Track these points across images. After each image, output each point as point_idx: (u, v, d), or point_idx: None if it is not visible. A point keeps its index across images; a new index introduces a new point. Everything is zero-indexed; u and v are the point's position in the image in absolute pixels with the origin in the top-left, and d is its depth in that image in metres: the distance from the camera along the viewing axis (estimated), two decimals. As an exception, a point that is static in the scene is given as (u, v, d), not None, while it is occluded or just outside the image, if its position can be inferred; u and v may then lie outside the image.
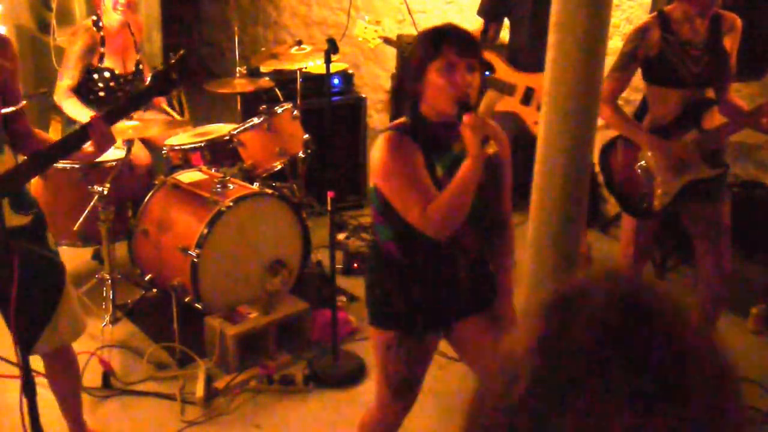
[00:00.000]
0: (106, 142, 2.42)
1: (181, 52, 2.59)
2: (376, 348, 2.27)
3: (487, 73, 4.00)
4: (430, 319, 2.22)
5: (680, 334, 0.71)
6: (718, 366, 0.71)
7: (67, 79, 3.93)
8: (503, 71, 3.86)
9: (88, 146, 2.42)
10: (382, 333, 2.25)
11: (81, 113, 3.87)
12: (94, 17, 4.03)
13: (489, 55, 3.85)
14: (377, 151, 2.11)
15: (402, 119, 2.17)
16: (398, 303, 2.20)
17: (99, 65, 4.00)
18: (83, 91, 4.02)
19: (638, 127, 3.00)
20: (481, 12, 4.00)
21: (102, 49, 4.00)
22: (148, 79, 2.57)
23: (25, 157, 2.44)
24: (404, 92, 2.16)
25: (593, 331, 0.69)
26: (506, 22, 4.10)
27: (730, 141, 4.09)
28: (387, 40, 4.01)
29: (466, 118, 1.98)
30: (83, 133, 2.37)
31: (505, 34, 4.16)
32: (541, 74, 3.93)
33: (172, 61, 2.51)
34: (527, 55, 3.83)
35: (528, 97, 3.81)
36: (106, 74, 4.00)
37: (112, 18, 3.98)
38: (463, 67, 2.02)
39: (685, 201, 3.02)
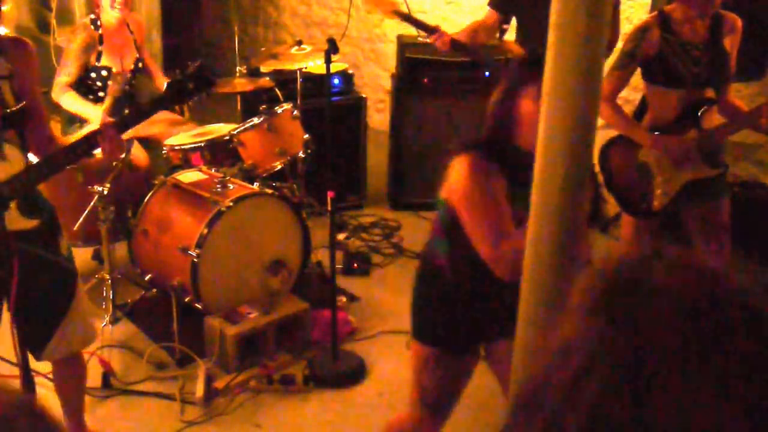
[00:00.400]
0: (116, 149, 2.38)
1: (198, 62, 2.54)
2: (415, 360, 2.23)
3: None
4: (471, 338, 2.18)
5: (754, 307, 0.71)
6: None
7: (64, 75, 3.93)
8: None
9: (98, 153, 2.40)
10: (422, 347, 2.20)
11: (79, 106, 3.87)
12: (92, 16, 4.05)
13: (509, 43, 3.80)
14: (459, 172, 2.00)
15: (481, 139, 2.06)
16: (442, 320, 2.16)
17: (96, 64, 4.00)
18: (82, 90, 4.02)
19: (637, 126, 3.00)
20: (494, 3, 3.87)
21: (100, 48, 4.00)
22: (165, 86, 2.54)
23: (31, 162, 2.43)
24: (494, 114, 2.03)
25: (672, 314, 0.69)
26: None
27: (731, 141, 4.10)
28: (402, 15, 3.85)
29: None
30: (93, 139, 2.34)
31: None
32: None
33: (190, 70, 2.47)
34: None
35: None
36: (104, 73, 4.01)
37: (109, 16, 3.99)
38: None
39: (685, 200, 3.02)
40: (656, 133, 2.98)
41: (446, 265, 2.13)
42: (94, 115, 3.82)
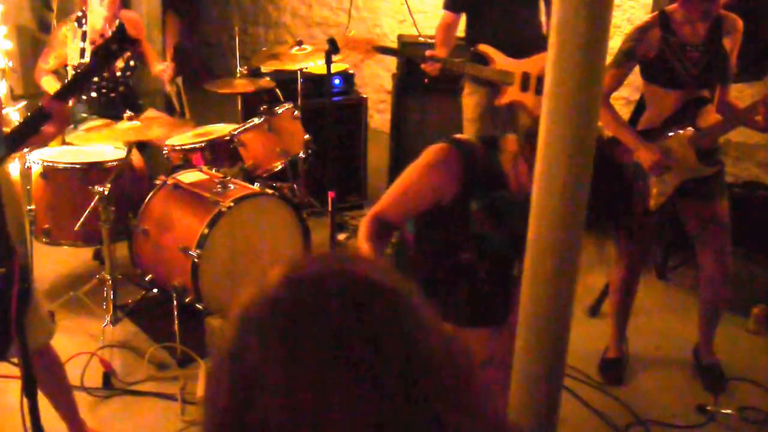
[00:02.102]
0: (63, 120, 2.53)
1: (117, 22, 2.88)
2: None
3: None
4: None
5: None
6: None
7: (43, 62, 4.11)
8: (501, 61, 3.82)
9: (46, 127, 2.49)
10: None
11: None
12: (79, 13, 4.08)
13: (484, 47, 3.82)
14: (424, 153, 2.09)
15: (466, 140, 2.10)
16: None
17: (81, 61, 4.00)
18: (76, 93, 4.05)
19: (626, 128, 3.00)
20: (448, 5, 3.93)
21: (82, 44, 4.02)
22: (91, 55, 2.69)
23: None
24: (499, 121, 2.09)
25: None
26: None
27: (731, 141, 4.10)
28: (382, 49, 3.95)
29: None
30: (40, 115, 2.45)
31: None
32: (531, 57, 3.85)
33: (110, 33, 2.61)
34: (508, 42, 3.77)
35: (525, 82, 3.74)
36: None
37: (97, 15, 4.00)
38: None
39: (683, 200, 3.03)
40: (653, 131, 2.98)
41: (412, 242, 2.22)
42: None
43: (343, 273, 0.77)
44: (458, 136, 2.14)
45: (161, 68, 4.26)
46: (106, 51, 2.58)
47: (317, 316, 0.72)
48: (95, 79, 4.01)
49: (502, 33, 3.81)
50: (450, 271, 2.17)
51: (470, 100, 4.02)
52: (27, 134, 2.49)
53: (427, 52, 3.74)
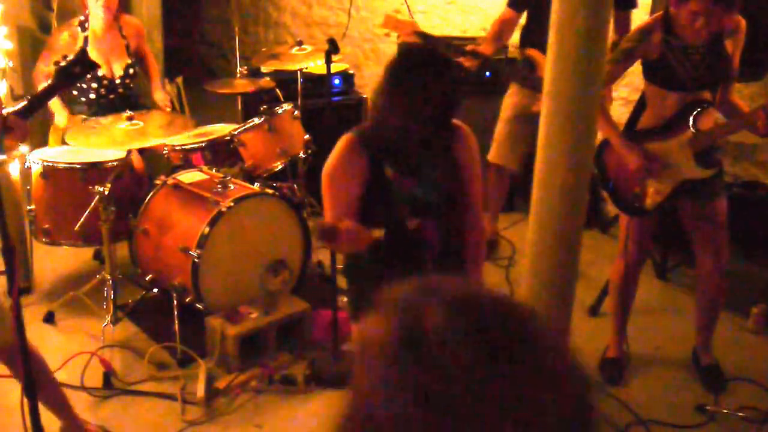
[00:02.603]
0: (22, 136, 2.54)
1: (81, 46, 2.98)
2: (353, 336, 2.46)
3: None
4: None
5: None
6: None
7: (43, 65, 4.07)
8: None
9: (6, 139, 2.52)
10: (353, 325, 2.44)
11: (53, 103, 3.97)
12: (82, 18, 4.07)
13: (532, 52, 3.81)
14: (331, 154, 2.27)
15: (365, 126, 2.28)
16: (361, 299, 2.36)
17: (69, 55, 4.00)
18: (74, 96, 4.04)
19: (612, 127, 3.00)
20: (511, 2, 3.90)
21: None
22: (53, 74, 2.75)
23: None
24: (380, 104, 2.24)
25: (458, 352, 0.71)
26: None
27: (730, 141, 4.10)
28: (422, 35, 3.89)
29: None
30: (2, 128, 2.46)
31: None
32: None
33: (72, 56, 2.72)
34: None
35: None
36: (89, 75, 4.00)
37: (98, 20, 3.99)
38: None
39: (681, 200, 3.03)
40: (653, 132, 2.98)
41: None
42: (58, 113, 4.04)
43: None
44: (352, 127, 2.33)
45: (161, 97, 4.28)
46: (68, 72, 2.66)
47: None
48: (89, 77, 4.00)
49: None
50: (406, 245, 2.27)
51: (510, 101, 4.03)
52: None
53: (469, 47, 3.71)
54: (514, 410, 0.68)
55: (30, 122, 2.56)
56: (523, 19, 4.02)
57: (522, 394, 0.69)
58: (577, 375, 0.75)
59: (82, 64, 2.71)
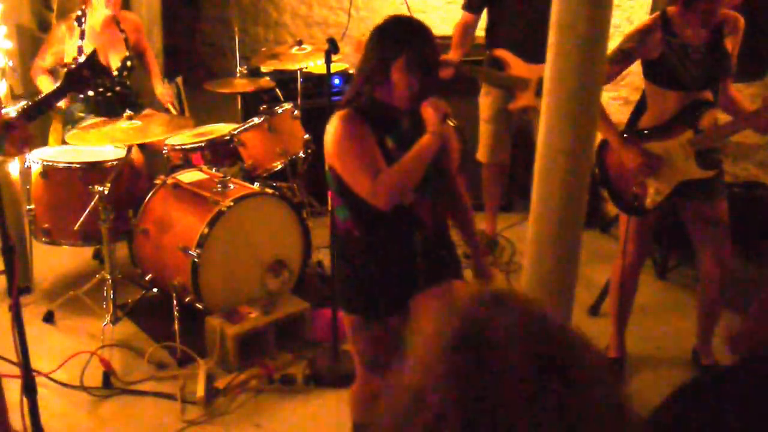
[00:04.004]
0: (25, 141, 2.51)
1: (92, 49, 2.90)
2: (346, 328, 2.41)
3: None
4: (390, 303, 2.31)
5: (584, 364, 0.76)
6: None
7: (40, 60, 4.09)
8: (516, 66, 3.80)
9: (7, 145, 2.49)
10: (347, 316, 2.37)
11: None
12: (79, 12, 4.08)
13: (501, 52, 3.82)
14: (330, 131, 2.20)
15: (351, 100, 2.25)
16: (360, 288, 2.30)
17: (77, 57, 4.00)
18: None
19: (610, 127, 3.00)
20: (466, 5, 3.90)
21: (80, 43, 4.02)
22: (63, 77, 2.79)
23: None
24: (365, 79, 2.24)
25: (516, 364, 0.72)
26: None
27: (730, 140, 4.09)
28: None
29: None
30: (4, 133, 2.44)
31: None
32: None
33: (83, 60, 2.75)
34: (527, 46, 3.74)
35: (542, 88, 3.69)
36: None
37: (98, 13, 4.00)
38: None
39: (682, 199, 3.02)
40: (654, 132, 2.98)
41: (353, 225, 2.26)
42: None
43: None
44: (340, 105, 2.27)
45: (163, 92, 4.28)
46: (77, 75, 2.68)
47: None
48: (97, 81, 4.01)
49: (521, 37, 3.79)
50: (402, 234, 2.25)
51: (485, 101, 4.03)
52: None
53: (440, 57, 3.72)
54: (550, 428, 0.69)
55: (32, 125, 2.54)
56: (486, 22, 4.03)
57: (563, 415, 0.70)
58: (621, 414, 0.75)
59: (92, 67, 2.71)
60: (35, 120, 2.56)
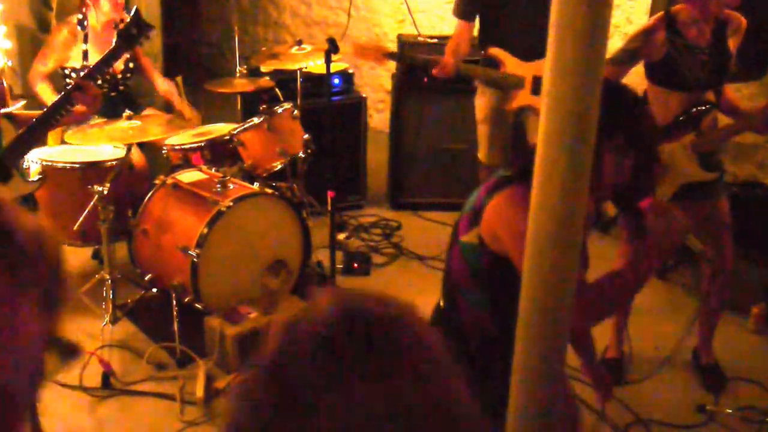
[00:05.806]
0: (95, 99, 2.82)
1: (134, 7, 3.12)
2: None
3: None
4: None
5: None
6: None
7: (41, 65, 4.05)
8: (511, 64, 3.79)
9: (78, 107, 2.84)
10: None
11: (48, 101, 3.92)
12: (80, 15, 4.06)
13: (495, 51, 3.81)
14: (515, 207, 1.71)
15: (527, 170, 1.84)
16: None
17: (84, 63, 4.00)
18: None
19: None
20: (458, 12, 3.85)
21: (85, 47, 4.01)
22: (115, 38, 3.07)
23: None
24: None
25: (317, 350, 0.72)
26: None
27: (731, 141, 4.09)
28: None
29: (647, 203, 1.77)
30: (70, 96, 2.71)
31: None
32: (544, 60, 3.87)
33: (128, 19, 2.98)
34: (523, 43, 3.72)
35: (537, 86, 3.66)
36: None
37: (102, 16, 3.99)
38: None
39: (683, 200, 3.02)
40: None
41: (489, 320, 1.85)
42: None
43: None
44: (508, 173, 1.89)
45: (167, 88, 4.27)
46: (128, 35, 2.86)
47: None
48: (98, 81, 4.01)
49: (515, 36, 3.77)
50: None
51: (480, 102, 4.02)
52: (58, 115, 2.83)
53: (434, 71, 3.71)
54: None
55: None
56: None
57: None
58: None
59: (138, 25, 2.89)
60: (95, 80, 2.91)
